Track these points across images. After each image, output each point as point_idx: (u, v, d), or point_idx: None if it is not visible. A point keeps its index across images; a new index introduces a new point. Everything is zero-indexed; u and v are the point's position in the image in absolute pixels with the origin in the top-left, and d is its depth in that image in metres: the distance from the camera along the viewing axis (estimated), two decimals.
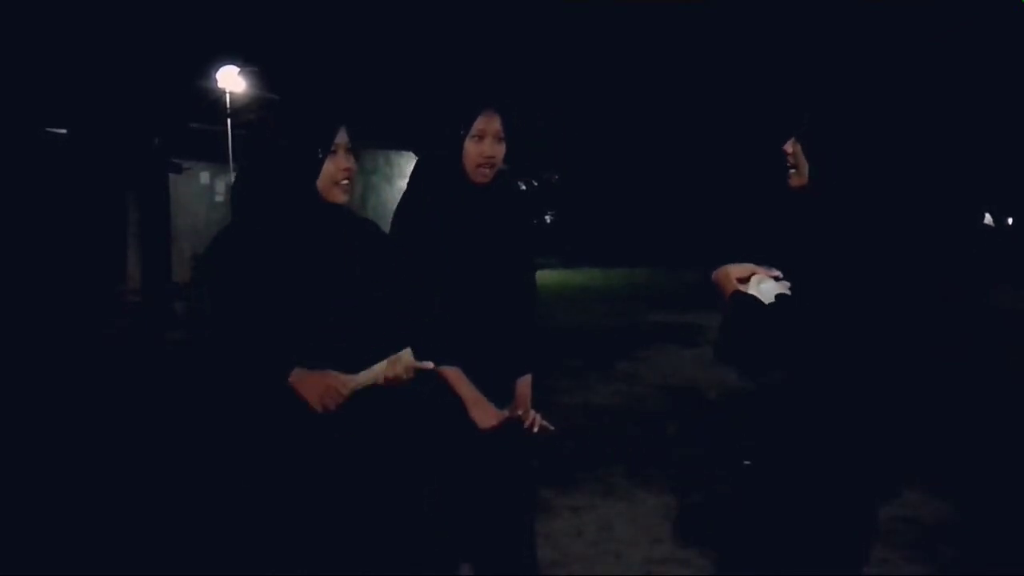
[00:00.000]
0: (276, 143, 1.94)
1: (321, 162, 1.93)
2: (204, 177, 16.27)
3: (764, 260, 1.98)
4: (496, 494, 2.29)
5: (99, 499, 3.99)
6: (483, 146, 2.23)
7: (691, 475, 4.49)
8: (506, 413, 2.25)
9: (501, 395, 2.30)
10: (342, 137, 1.95)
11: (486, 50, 17.87)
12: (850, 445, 1.91)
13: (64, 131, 12.34)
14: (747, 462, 2.01)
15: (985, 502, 4.14)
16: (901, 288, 1.92)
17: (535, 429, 2.29)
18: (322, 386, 1.86)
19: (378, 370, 1.93)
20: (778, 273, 1.93)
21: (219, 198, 16.66)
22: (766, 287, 1.91)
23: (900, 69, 16.67)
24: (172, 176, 13.56)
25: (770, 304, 1.89)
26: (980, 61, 18.60)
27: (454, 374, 2.21)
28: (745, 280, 1.95)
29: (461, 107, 2.25)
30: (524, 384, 2.40)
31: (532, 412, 2.32)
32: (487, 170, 2.25)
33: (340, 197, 1.98)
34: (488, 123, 2.23)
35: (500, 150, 2.26)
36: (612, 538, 3.63)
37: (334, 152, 1.94)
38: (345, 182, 1.96)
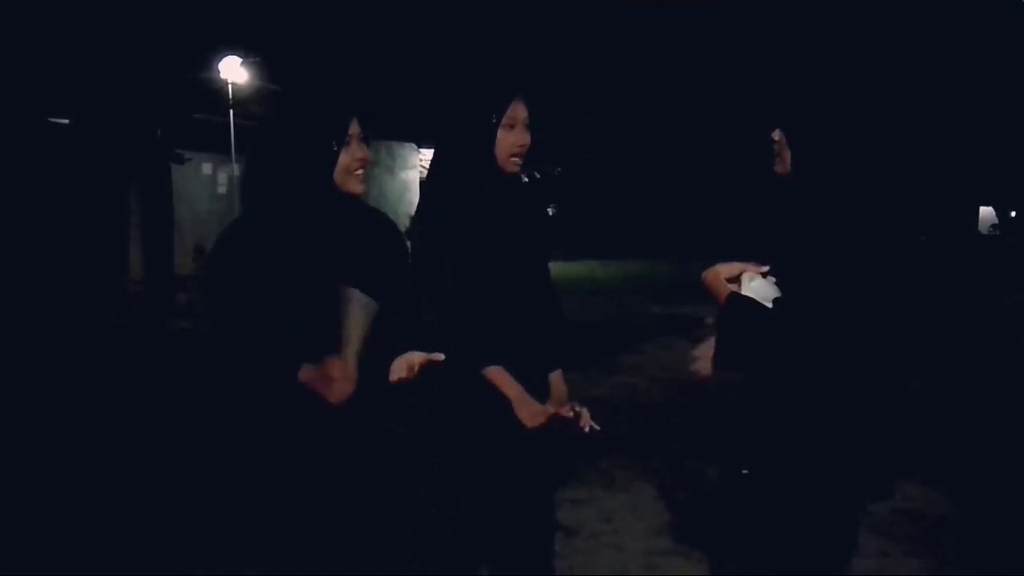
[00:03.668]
0: (289, 136, 1.93)
1: (336, 154, 1.92)
2: (207, 168, 16.30)
3: (754, 253, 1.96)
4: (529, 494, 2.22)
5: (102, 490, 4.00)
6: (515, 134, 2.15)
7: (692, 468, 4.50)
8: (551, 410, 2.15)
9: (537, 391, 2.21)
10: (355, 128, 1.95)
11: (499, 40, 17.82)
12: (843, 443, 1.89)
13: (67, 121, 12.34)
14: (745, 471, 1.98)
15: (986, 497, 4.14)
16: (884, 282, 1.88)
17: (586, 429, 2.17)
18: (328, 381, 1.84)
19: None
20: (766, 269, 1.90)
21: (221, 189, 16.69)
22: (756, 285, 1.88)
23: (891, 63, 16.60)
24: (174, 167, 13.54)
25: (770, 306, 1.85)
26: (978, 57, 18.53)
27: (498, 374, 2.12)
28: (735, 279, 1.92)
29: (494, 94, 2.17)
30: (558, 378, 2.32)
31: (582, 409, 2.19)
32: (519, 159, 2.18)
33: (356, 187, 1.97)
34: (519, 110, 2.16)
35: (529, 138, 2.19)
36: (613, 530, 3.65)
37: (348, 143, 1.94)
38: (360, 172, 1.96)
